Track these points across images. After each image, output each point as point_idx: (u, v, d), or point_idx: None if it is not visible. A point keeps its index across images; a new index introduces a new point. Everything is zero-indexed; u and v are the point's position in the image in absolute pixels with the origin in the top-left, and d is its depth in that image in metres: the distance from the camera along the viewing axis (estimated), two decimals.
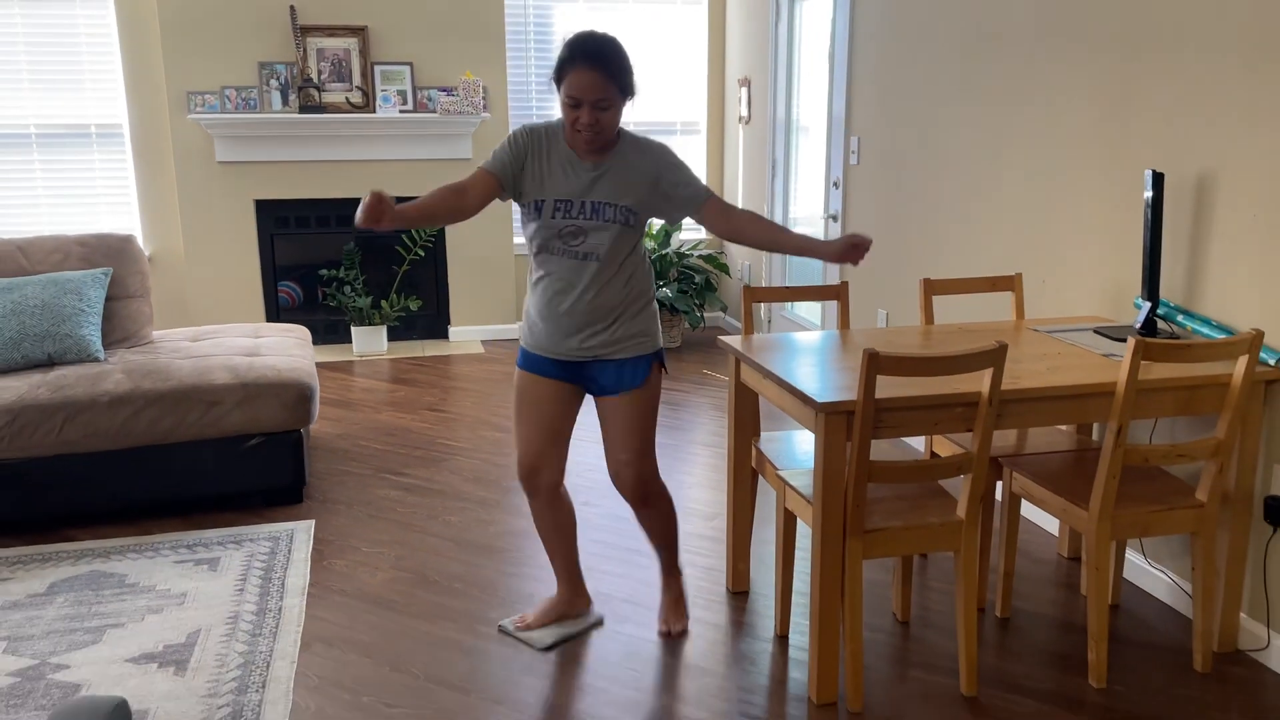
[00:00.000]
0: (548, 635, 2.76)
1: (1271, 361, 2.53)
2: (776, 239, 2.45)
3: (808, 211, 5.53)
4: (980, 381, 2.40)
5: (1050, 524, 3.46)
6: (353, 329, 6.01)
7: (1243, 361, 2.41)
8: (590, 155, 2.42)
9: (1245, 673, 2.60)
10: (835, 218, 4.92)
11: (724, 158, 6.70)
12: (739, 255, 6.44)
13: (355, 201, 6.06)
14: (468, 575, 3.18)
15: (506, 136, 2.47)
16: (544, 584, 3.13)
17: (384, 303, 6.03)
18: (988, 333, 3.00)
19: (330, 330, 6.21)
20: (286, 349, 4.00)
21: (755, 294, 3.11)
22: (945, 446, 3.02)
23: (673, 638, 2.78)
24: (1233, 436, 2.48)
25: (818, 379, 2.46)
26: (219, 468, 3.62)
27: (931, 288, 3.20)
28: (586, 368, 2.55)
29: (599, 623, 2.85)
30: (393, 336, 6.29)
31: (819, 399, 2.30)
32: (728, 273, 6.37)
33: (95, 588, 3.09)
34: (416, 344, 6.28)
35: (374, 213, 2.15)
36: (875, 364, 2.21)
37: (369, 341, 6.03)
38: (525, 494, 2.75)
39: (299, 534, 3.48)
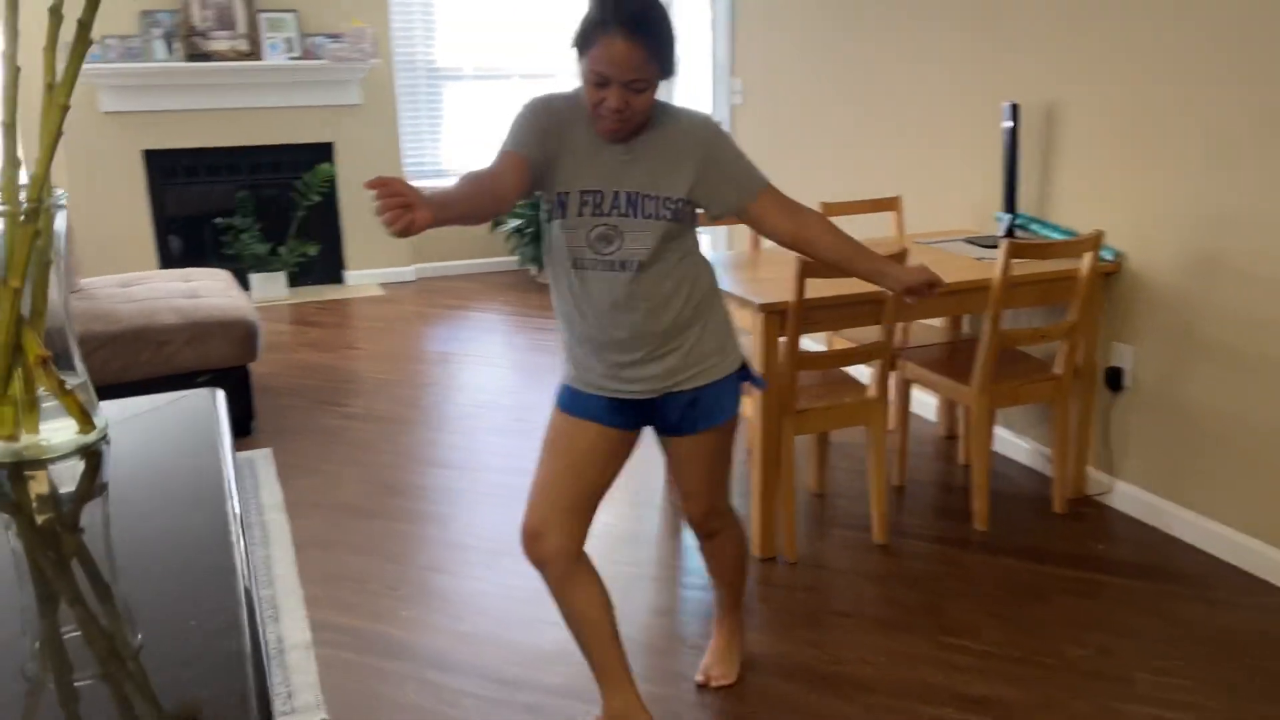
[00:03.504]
0: None
1: (1110, 257, 3.12)
2: (846, 253, 2.01)
3: None
4: None
5: (930, 412, 4.04)
6: (251, 276, 6.11)
7: (1088, 257, 2.97)
8: (612, 139, 1.86)
9: (1093, 511, 3.22)
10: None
11: None
12: None
13: (246, 150, 6.13)
14: (433, 485, 3.51)
15: (519, 111, 1.87)
16: (510, 497, 3.50)
17: (281, 249, 6.14)
18: (879, 246, 3.50)
19: None
20: (221, 291, 4.18)
21: None
22: (841, 344, 3.52)
23: (709, 687, 2.37)
24: (1082, 320, 3.06)
25: (749, 286, 2.90)
26: None
27: (828, 210, 3.67)
28: (651, 405, 2.01)
29: None
30: (290, 283, 6.41)
31: (757, 301, 2.74)
32: None
33: None
34: (314, 289, 6.42)
35: (402, 202, 1.46)
36: (805, 269, 2.66)
37: (269, 287, 6.14)
38: (532, 563, 2.09)
39: (259, 460, 3.72)
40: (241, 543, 0.90)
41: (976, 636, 2.57)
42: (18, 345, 0.95)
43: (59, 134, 0.97)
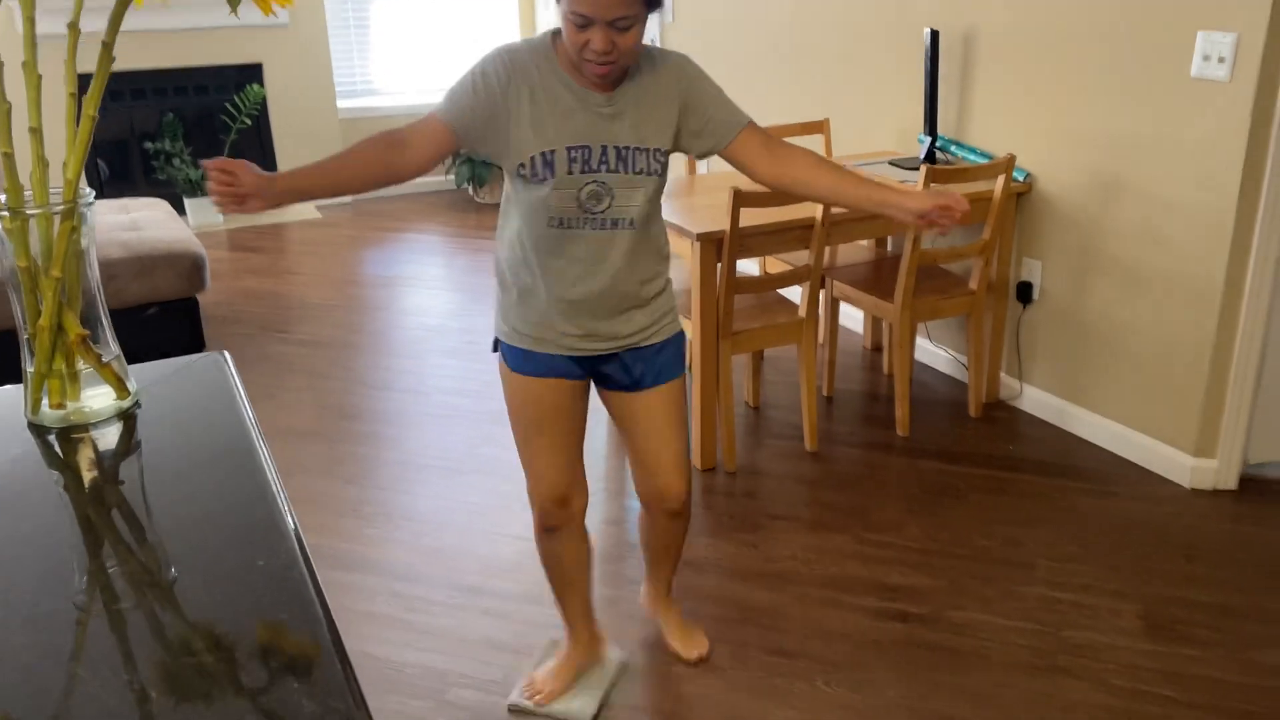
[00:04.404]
0: (587, 705, 2.20)
1: (1021, 178, 3.32)
2: (842, 189, 1.85)
3: None
4: (814, 208, 3.06)
5: (856, 325, 4.27)
6: (186, 201, 6.07)
7: (1001, 180, 3.17)
8: (601, 85, 1.74)
9: (1005, 414, 3.50)
10: None
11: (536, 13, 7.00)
12: None
13: (172, 72, 6.03)
14: (386, 408, 3.66)
15: (474, 68, 1.73)
16: (462, 418, 3.66)
17: None
18: None
19: None
20: (163, 222, 4.21)
21: None
22: (776, 267, 3.71)
23: (705, 663, 2.35)
24: (995, 238, 3.27)
25: (686, 215, 3.05)
26: (121, 337, 3.86)
27: None
28: (610, 360, 1.96)
29: (625, 667, 2.33)
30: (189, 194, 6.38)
31: (695, 230, 2.90)
32: None
33: None
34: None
35: (232, 193, 1.47)
36: (739, 199, 2.82)
37: (204, 213, 6.11)
38: (543, 532, 2.11)
39: None
40: (277, 487, 1.06)
41: (897, 533, 2.83)
42: (59, 326, 1.08)
43: (90, 142, 1.09)
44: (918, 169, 3.49)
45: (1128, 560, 2.68)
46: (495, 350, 2.01)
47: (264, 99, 6.25)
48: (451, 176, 6.60)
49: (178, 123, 5.96)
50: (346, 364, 4.07)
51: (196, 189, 6.07)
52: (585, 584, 2.22)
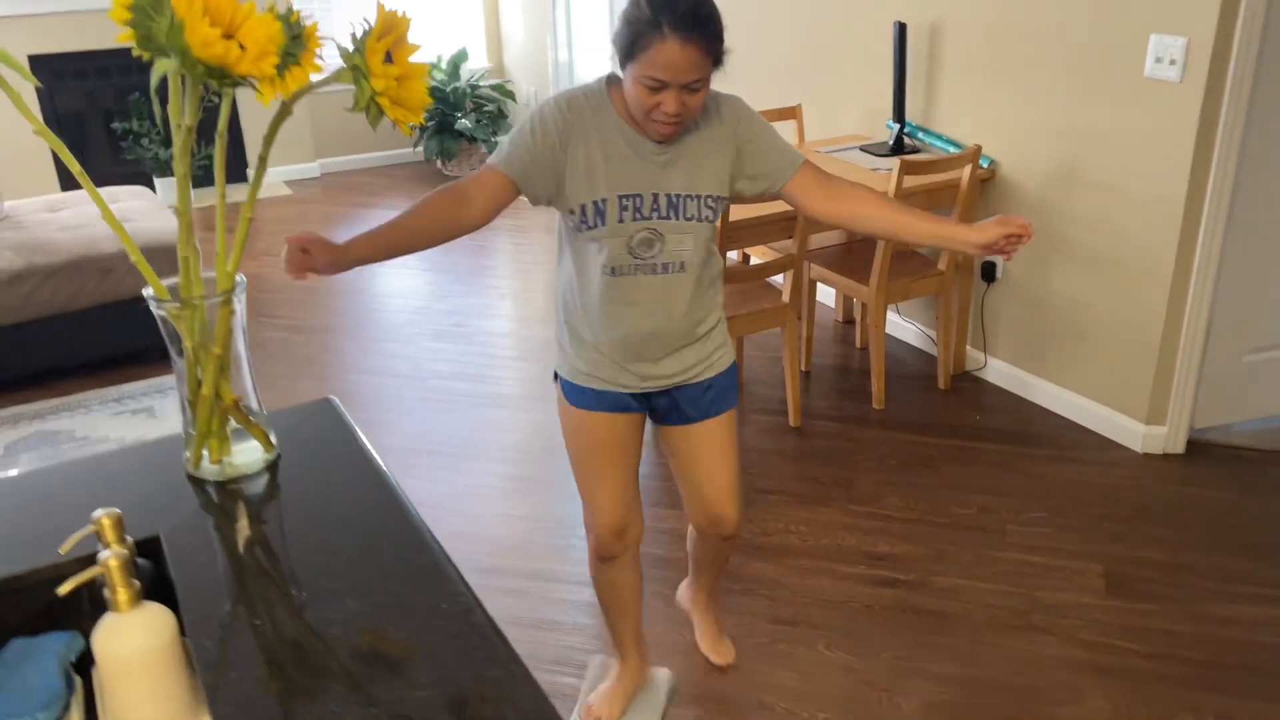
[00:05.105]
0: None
1: (986, 165, 3.54)
2: (904, 225, 1.85)
3: (590, 45, 6.09)
4: None
5: (828, 299, 4.48)
6: (156, 181, 6.09)
7: (968, 169, 3.38)
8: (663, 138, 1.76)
9: (971, 385, 3.75)
10: None
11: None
12: (524, 82, 6.93)
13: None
14: (382, 394, 3.80)
15: (530, 116, 1.77)
16: (461, 402, 3.82)
17: None
18: None
19: (129, 184, 6.22)
20: (151, 212, 4.27)
21: None
22: (762, 254, 3.90)
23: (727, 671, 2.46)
24: (963, 221, 3.49)
25: None
26: (119, 329, 3.96)
27: None
28: (663, 395, 2.00)
29: (677, 688, 2.40)
30: (194, 184, 6.38)
31: None
32: (514, 99, 6.86)
33: (52, 444, 3.48)
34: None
35: (303, 263, 1.54)
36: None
37: (174, 193, 6.13)
38: (600, 561, 2.15)
39: None
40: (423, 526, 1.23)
41: (880, 503, 3.06)
42: (217, 393, 1.24)
43: (245, 239, 1.24)
44: (887, 155, 3.71)
45: (1089, 523, 2.94)
46: (555, 380, 2.06)
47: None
48: (420, 149, 6.67)
49: (145, 102, 5.95)
50: (338, 349, 4.19)
51: (166, 168, 6.08)
52: (638, 610, 2.26)
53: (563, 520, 3.03)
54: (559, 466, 3.29)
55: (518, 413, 3.67)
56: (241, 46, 1.15)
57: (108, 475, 1.39)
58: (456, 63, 6.60)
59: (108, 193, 4.55)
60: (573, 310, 1.93)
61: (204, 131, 5.52)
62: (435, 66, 6.54)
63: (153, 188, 6.20)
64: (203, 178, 6.39)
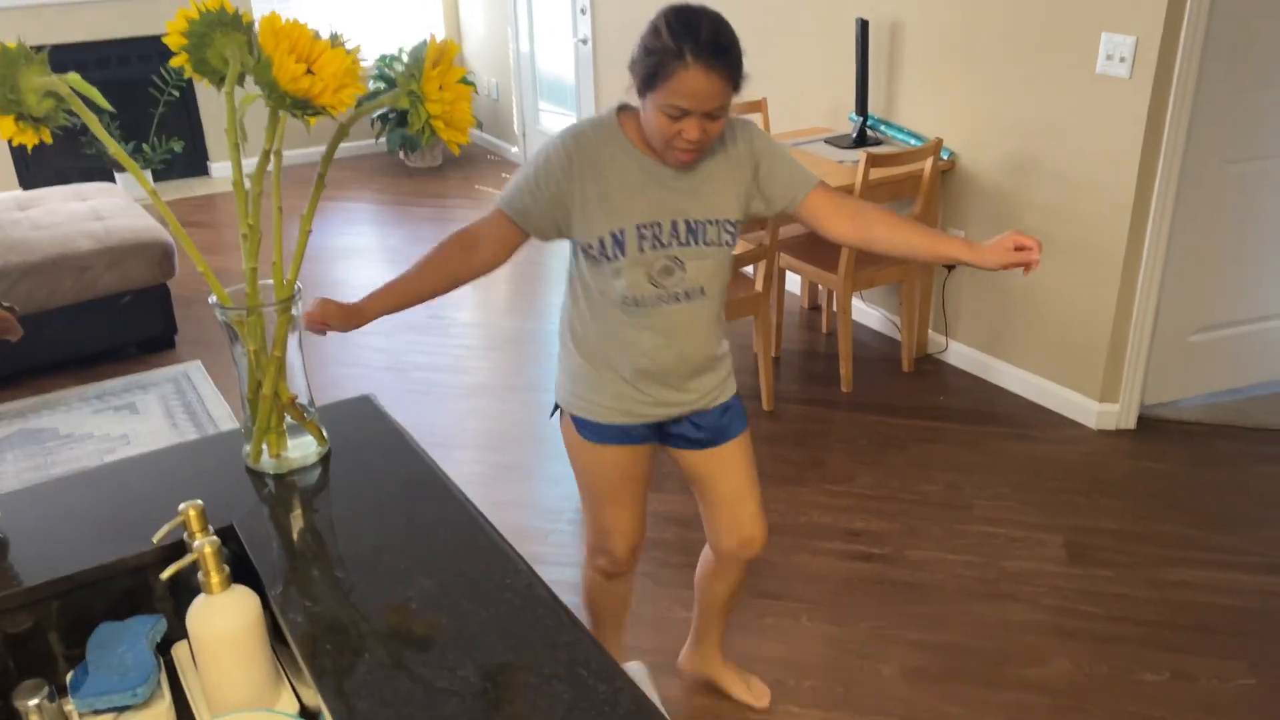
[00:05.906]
0: None
1: (945, 157, 3.70)
2: (912, 243, 1.85)
3: (554, 30, 6.16)
4: None
5: (794, 286, 4.63)
6: (118, 176, 6.06)
7: (930, 161, 3.54)
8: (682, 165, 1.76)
9: (933, 368, 3.92)
10: (585, 41, 5.64)
11: None
12: (484, 72, 6.98)
13: (95, 45, 5.96)
14: (362, 388, 3.87)
15: (539, 154, 1.77)
16: (443, 393, 3.90)
17: (145, 146, 6.09)
18: None
19: (88, 178, 6.19)
20: (124, 209, 4.29)
21: None
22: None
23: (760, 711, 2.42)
24: (924, 212, 3.65)
25: None
26: (97, 326, 3.98)
27: None
28: (678, 420, 1.99)
29: (650, 671, 2.48)
30: (154, 179, 6.37)
31: None
32: (475, 90, 6.90)
33: (37, 441, 3.51)
34: (182, 183, 6.41)
35: (325, 325, 1.62)
36: None
37: (137, 187, 6.11)
38: (605, 578, 2.21)
39: (193, 373, 3.98)
40: (477, 511, 1.33)
41: (853, 482, 3.22)
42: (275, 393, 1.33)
43: (303, 250, 1.34)
44: (851, 147, 3.85)
45: (1048, 496, 3.12)
46: (553, 415, 2.05)
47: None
48: (384, 140, 6.69)
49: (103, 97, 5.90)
50: (316, 342, 4.24)
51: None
52: (620, 621, 2.35)
53: (547, 506, 3.15)
54: (540, 454, 3.41)
55: (495, 402, 3.77)
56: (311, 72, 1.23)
57: (170, 470, 1.48)
58: (417, 55, 6.62)
59: (76, 189, 4.56)
60: (587, 343, 1.90)
61: (161, 125, 5.48)
62: (395, 58, 6.57)
63: (113, 180, 6.17)
64: (164, 172, 6.38)
